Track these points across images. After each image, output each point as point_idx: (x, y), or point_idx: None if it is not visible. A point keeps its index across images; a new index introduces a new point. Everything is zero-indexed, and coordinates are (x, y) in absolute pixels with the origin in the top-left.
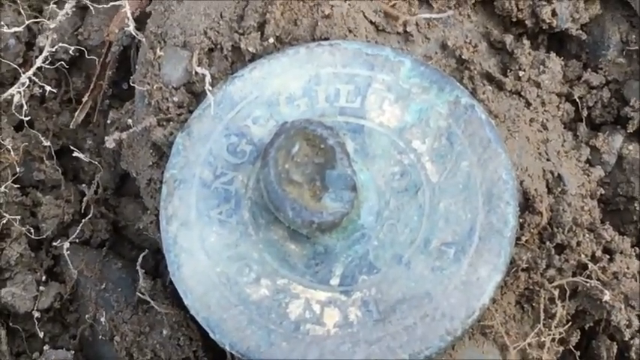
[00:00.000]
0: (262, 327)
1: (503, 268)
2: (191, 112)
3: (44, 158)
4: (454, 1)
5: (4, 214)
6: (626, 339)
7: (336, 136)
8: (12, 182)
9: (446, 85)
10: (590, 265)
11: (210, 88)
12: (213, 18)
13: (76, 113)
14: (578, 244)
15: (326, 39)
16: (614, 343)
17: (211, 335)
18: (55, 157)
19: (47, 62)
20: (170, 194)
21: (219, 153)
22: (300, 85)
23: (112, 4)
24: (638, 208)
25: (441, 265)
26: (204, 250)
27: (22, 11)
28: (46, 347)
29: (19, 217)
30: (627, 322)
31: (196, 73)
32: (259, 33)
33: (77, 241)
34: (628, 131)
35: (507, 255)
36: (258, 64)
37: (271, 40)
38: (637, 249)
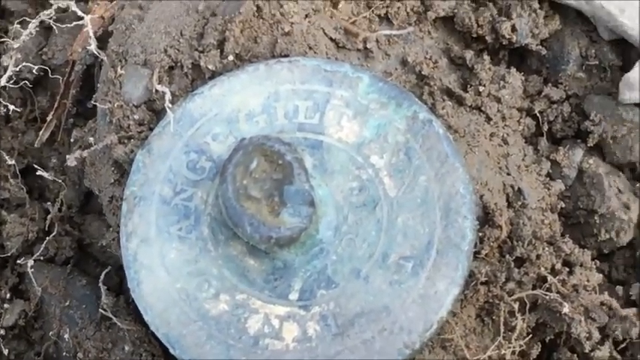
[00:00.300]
0: (221, 342)
1: (461, 282)
2: (152, 129)
3: (9, 177)
4: (414, 18)
5: None
6: (587, 351)
7: (294, 152)
8: None
9: (404, 101)
10: (549, 277)
11: (170, 105)
12: (174, 36)
13: (41, 132)
14: (538, 257)
15: (286, 56)
16: (575, 355)
17: (171, 351)
18: (19, 176)
19: (12, 82)
20: (130, 211)
21: (178, 170)
22: (259, 102)
23: (75, 23)
24: (598, 222)
25: (399, 279)
26: (164, 266)
27: None
28: None
29: None
30: (587, 335)
31: (157, 90)
32: (219, 51)
33: (42, 258)
34: (588, 145)
35: (465, 268)
36: (217, 81)
37: (231, 57)
38: (597, 262)
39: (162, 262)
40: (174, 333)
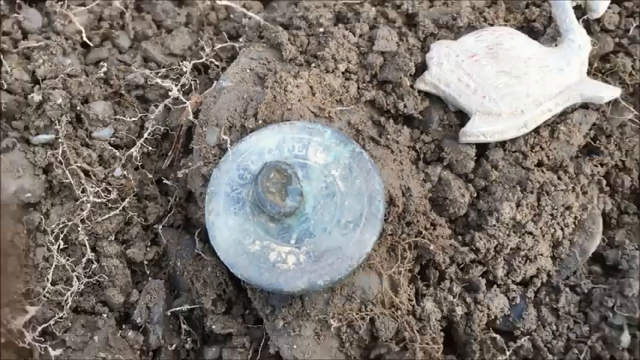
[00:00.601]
0: (255, 265)
1: (378, 234)
2: (220, 158)
3: (149, 184)
4: (354, 101)
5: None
6: (443, 269)
7: (292, 169)
8: (133, 197)
9: (348, 143)
10: (423, 232)
11: (230, 146)
12: (231, 111)
13: (165, 160)
14: (417, 221)
15: (288, 120)
16: (437, 271)
17: (231, 270)
18: (154, 183)
19: (151, 136)
20: (210, 200)
21: (234, 178)
22: (274, 144)
23: (182, 105)
24: (448, 203)
25: (346, 232)
26: (227, 227)
27: (136, 109)
28: (150, 279)
29: (136, 214)
30: (443, 260)
31: (223, 139)
32: (254, 118)
33: (166, 225)
34: (444, 164)
35: (380, 227)
36: (253, 134)
37: (260, 121)
38: (448, 224)
39: (226, 225)
40: (231, 260)
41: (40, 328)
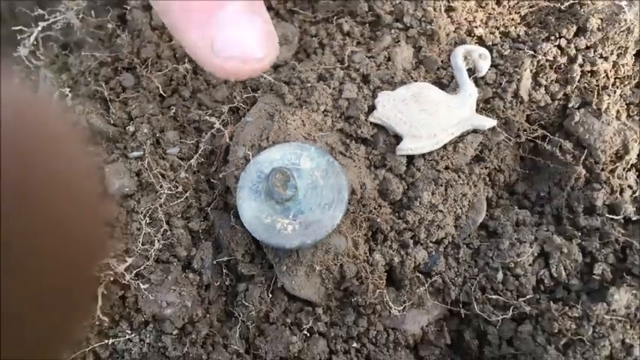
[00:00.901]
0: (268, 231)
1: (344, 212)
2: (245, 165)
3: (202, 182)
4: (329, 129)
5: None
6: (386, 234)
7: (290, 171)
8: (192, 190)
9: (326, 155)
10: (373, 210)
11: (251, 158)
12: (252, 135)
13: (212, 167)
14: (370, 204)
15: (287, 142)
16: (382, 235)
17: (252, 234)
18: (206, 182)
19: (203, 152)
20: (239, 191)
21: (254, 178)
22: (279, 156)
23: (222, 133)
24: (390, 193)
25: (324, 211)
26: (250, 208)
27: (193, 135)
28: (203, 241)
29: (194, 200)
30: (386, 228)
31: (247, 153)
32: (266, 140)
33: (213, 207)
34: (387, 168)
35: (345, 208)
36: (266, 150)
37: (270, 142)
38: (390, 206)
39: (249, 207)
40: (253, 229)
41: (134, 272)
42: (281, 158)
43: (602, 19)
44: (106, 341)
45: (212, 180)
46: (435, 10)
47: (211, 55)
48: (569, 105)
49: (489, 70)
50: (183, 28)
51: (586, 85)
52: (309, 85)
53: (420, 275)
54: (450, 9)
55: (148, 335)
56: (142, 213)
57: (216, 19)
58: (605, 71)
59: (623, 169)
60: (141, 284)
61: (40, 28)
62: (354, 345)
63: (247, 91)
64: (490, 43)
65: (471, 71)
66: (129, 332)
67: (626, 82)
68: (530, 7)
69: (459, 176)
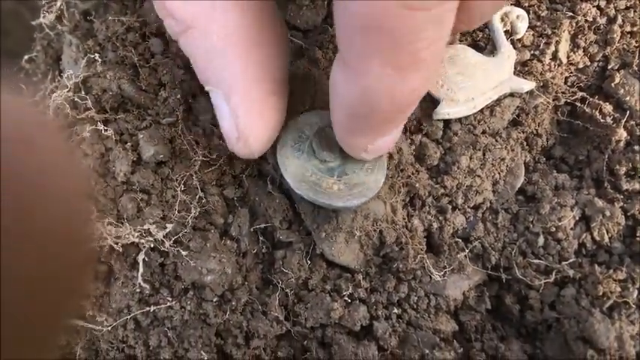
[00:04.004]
0: (313, 189)
1: (384, 176)
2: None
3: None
4: None
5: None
6: (424, 199)
7: (333, 133)
8: (225, 157)
9: None
10: (411, 176)
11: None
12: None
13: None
14: (407, 169)
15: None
16: (420, 200)
17: (297, 191)
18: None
19: None
20: (280, 149)
21: (295, 137)
22: (318, 119)
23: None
24: (427, 158)
25: (367, 174)
26: (293, 164)
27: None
28: (239, 208)
29: (228, 167)
30: (424, 194)
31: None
32: (302, 105)
33: (247, 174)
34: (423, 133)
35: (385, 172)
36: (304, 113)
37: (307, 107)
38: (427, 171)
39: (293, 163)
40: (297, 185)
41: (173, 239)
42: (320, 121)
43: None
44: (147, 308)
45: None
46: None
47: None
48: (609, 67)
49: (526, 31)
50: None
51: (625, 46)
52: None
53: (459, 240)
54: None
55: (188, 302)
56: (176, 180)
57: None
58: None
59: None
60: (181, 250)
61: None
62: (395, 311)
63: None
64: (527, 4)
65: (508, 33)
66: (169, 299)
67: None
68: None
69: (496, 140)
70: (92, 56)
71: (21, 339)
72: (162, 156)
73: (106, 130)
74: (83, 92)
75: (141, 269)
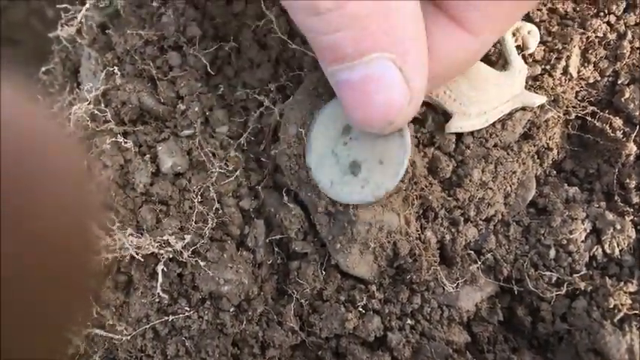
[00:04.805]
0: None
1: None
2: (297, 144)
3: (252, 161)
4: None
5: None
6: (437, 211)
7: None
8: (242, 169)
9: None
10: (424, 188)
11: (303, 136)
12: (302, 113)
13: (261, 146)
14: (420, 181)
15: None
16: (433, 212)
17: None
18: (255, 160)
19: (252, 130)
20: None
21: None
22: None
23: (270, 111)
24: (440, 171)
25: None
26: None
27: (242, 114)
28: (255, 220)
29: (244, 179)
30: (437, 206)
31: (299, 131)
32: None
33: (263, 186)
34: (435, 146)
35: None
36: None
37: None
38: (440, 183)
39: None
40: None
41: (191, 249)
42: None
43: None
44: (165, 318)
45: (261, 159)
46: None
47: None
48: (619, 82)
49: (538, 47)
50: None
51: (635, 61)
52: None
53: (472, 252)
54: None
55: (205, 312)
56: (194, 192)
57: None
58: None
59: None
60: (199, 260)
61: (87, 6)
62: (409, 322)
63: (292, 70)
64: (538, 20)
65: (520, 48)
66: (187, 309)
67: None
68: None
69: (507, 153)
70: (111, 69)
71: (21, 339)
72: (180, 167)
73: (125, 142)
74: (103, 105)
75: (160, 279)
